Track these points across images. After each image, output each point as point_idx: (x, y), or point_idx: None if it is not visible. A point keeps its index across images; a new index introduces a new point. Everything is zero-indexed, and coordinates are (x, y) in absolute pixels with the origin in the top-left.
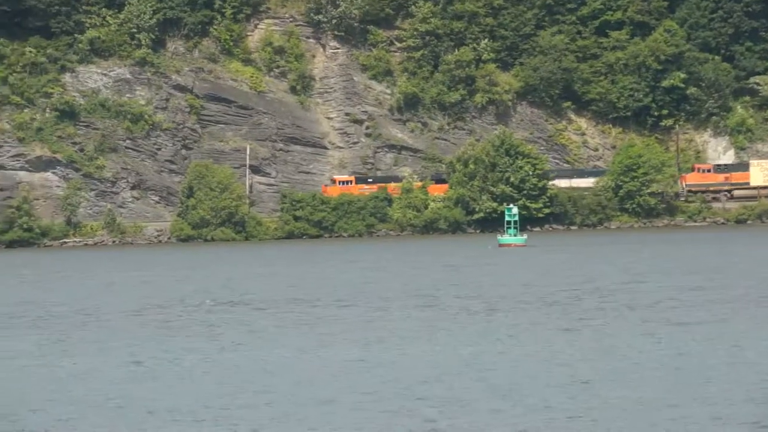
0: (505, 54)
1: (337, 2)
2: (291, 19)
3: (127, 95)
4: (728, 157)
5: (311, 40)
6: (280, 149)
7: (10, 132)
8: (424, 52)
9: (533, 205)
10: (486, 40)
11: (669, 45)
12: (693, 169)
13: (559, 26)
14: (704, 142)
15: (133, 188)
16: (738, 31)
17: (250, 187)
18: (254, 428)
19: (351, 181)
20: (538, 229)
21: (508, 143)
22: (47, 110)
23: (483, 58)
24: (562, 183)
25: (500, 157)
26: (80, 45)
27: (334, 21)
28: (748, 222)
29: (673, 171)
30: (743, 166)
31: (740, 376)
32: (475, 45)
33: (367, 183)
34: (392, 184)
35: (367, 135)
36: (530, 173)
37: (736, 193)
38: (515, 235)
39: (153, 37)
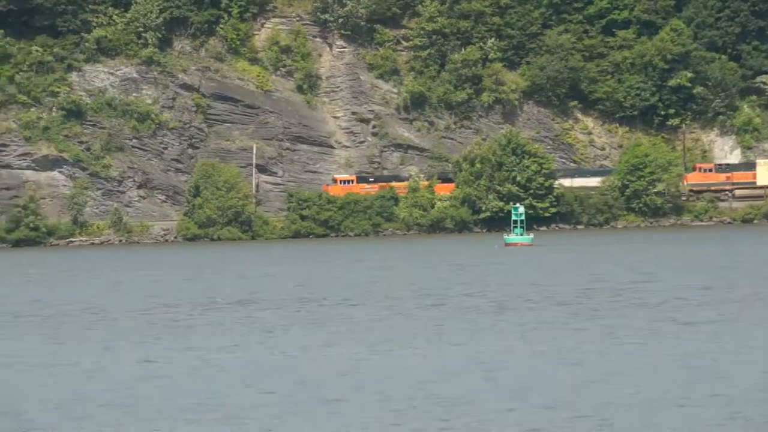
0: (512, 53)
1: (344, 1)
2: (298, 18)
3: (134, 94)
4: (735, 157)
5: (318, 39)
6: (287, 148)
7: (16, 131)
8: (431, 51)
9: (540, 205)
10: (492, 39)
11: (676, 44)
12: (694, 169)
13: (565, 25)
14: (711, 141)
15: (139, 187)
16: (745, 31)
17: (257, 186)
18: (263, 427)
19: (352, 181)
20: (544, 228)
21: (514, 142)
22: (54, 109)
23: (490, 57)
24: (566, 182)
25: (507, 156)
26: (87, 44)
27: (340, 20)
28: (755, 221)
29: (680, 170)
30: (744, 166)
31: (748, 375)
32: (481, 44)
33: (368, 182)
34: (393, 183)
35: (374, 134)
36: (536, 172)
37: (738, 192)
38: (522, 235)
39: (159, 36)
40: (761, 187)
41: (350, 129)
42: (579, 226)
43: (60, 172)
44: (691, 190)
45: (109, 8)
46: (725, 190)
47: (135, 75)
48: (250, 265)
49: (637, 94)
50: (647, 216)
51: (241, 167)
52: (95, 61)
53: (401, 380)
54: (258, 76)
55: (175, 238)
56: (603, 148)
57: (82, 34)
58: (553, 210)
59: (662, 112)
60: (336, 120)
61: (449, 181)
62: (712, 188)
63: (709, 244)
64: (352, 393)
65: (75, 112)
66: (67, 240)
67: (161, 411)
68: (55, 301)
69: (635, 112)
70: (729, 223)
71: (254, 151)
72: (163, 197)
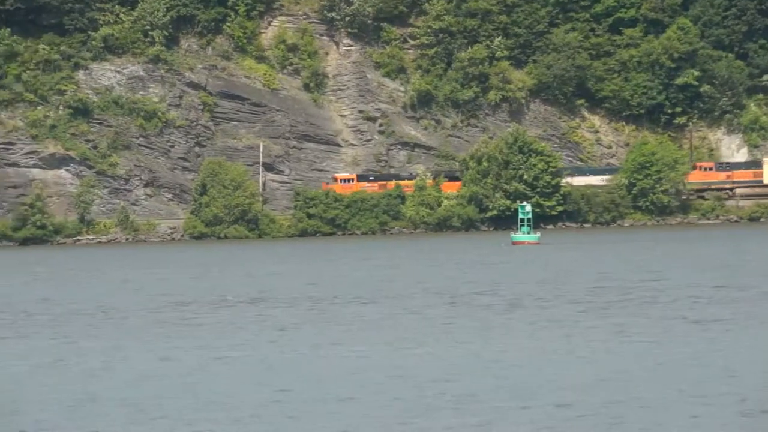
0: (519, 51)
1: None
2: (304, 17)
3: (141, 92)
4: (742, 155)
5: (324, 38)
6: (294, 147)
7: (23, 129)
8: (438, 49)
9: (546, 203)
10: (499, 38)
11: (682, 43)
12: (695, 168)
13: (572, 24)
14: (717, 139)
15: (146, 186)
16: (751, 29)
17: (263, 184)
18: (275, 425)
19: (353, 179)
20: (551, 226)
21: (521, 141)
22: (61, 107)
23: (496, 55)
24: (573, 180)
25: (513, 154)
26: (94, 42)
27: (347, 18)
28: (762, 219)
29: (687, 169)
30: (745, 165)
31: (758, 373)
32: (488, 42)
33: (369, 181)
34: (395, 182)
35: (381, 132)
36: (543, 171)
37: (739, 191)
38: (528, 233)
39: (166, 34)
40: (767, 186)
41: (357, 127)
42: (586, 225)
43: (67, 170)
44: (692, 189)
45: (116, 6)
46: (725, 189)
47: (142, 73)
48: (257, 264)
49: (644, 92)
50: (654, 214)
51: (248, 165)
52: (102, 60)
53: (412, 378)
54: (265, 74)
55: (182, 236)
56: (610, 147)
57: (89, 32)
58: (560, 208)
59: (669, 111)
60: (343, 118)
61: (456, 179)
62: (713, 187)
63: (717, 242)
64: (363, 391)
65: (82, 111)
66: (74, 238)
67: (172, 409)
68: (63, 300)
69: (642, 111)
70: (736, 221)
71: (261, 150)
72: (169, 195)
